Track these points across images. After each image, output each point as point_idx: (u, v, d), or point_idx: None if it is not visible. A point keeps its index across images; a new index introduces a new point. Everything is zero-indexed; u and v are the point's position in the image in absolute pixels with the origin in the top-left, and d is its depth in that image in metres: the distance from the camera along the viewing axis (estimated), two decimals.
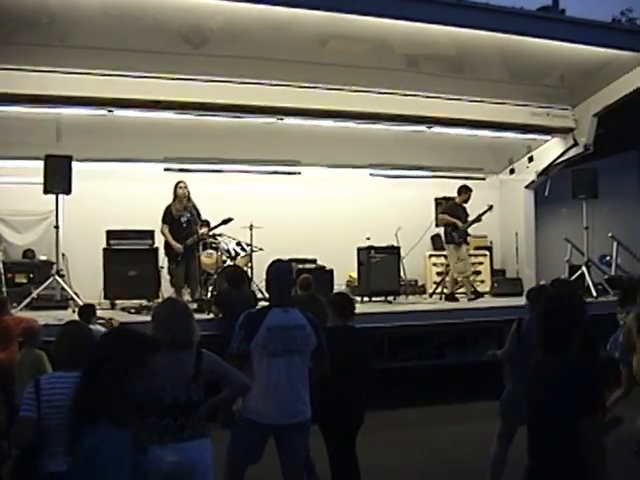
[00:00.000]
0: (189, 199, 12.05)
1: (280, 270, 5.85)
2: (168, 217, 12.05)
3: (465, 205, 13.92)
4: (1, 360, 8.38)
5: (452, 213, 13.73)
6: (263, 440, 5.63)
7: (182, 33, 11.26)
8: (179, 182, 12.17)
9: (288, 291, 5.90)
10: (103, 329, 8.89)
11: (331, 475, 6.54)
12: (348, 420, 6.51)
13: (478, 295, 13.49)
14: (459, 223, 13.61)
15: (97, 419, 3.21)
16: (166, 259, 12.30)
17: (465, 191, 13.94)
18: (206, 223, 12.22)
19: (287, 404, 5.50)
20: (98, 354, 3.48)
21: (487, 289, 14.87)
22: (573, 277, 13.32)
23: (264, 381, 5.45)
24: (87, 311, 8.94)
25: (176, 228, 11.98)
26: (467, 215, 13.78)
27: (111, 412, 3.26)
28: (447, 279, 14.25)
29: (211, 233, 12.54)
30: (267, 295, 6.37)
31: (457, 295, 13.74)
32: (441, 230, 15.03)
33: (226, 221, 12.00)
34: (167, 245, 12.09)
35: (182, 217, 12.02)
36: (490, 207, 13.90)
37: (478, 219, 13.81)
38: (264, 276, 5.96)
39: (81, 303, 10.38)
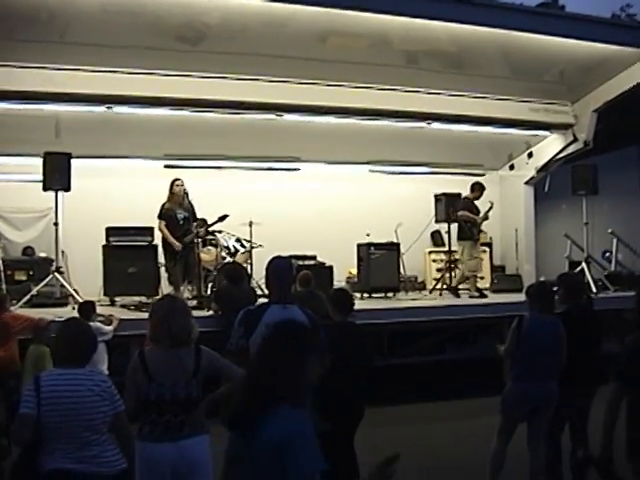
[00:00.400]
0: (185, 197, 12.00)
1: (279, 267, 5.84)
2: (164, 214, 12.01)
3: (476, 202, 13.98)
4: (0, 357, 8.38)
5: (469, 209, 13.77)
6: None
7: (181, 33, 11.27)
8: (175, 179, 12.12)
9: (287, 288, 5.89)
10: (103, 326, 8.93)
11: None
12: (348, 416, 6.51)
13: (482, 296, 13.46)
14: (477, 219, 13.65)
15: (281, 403, 3.33)
16: (164, 256, 12.28)
17: (478, 188, 13.96)
18: (203, 222, 12.17)
19: None
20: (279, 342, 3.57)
21: (487, 285, 14.85)
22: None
23: None
24: (87, 308, 8.95)
25: (173, 225, 11.93)
26: (478, 212, 13.79)
27: (296, 395, 3.39)
28: (454, 274, 14.26)
29: (210, 230, 12.51)
30: (267, 292, 6.36)
31: (459, 291, 13.73)
32: (440, 226, 15.10)
33: (222, 218, 11.97)
34: (165, 242, 12.06)
35: (179, 214, 11.98)
36: (491, 204, 13.91)
37: (486, 217, 13.84)
38: (264, 273, 5.95)
39: (81, 300, 10.38)
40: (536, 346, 6.72)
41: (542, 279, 15.57)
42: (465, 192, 14.29)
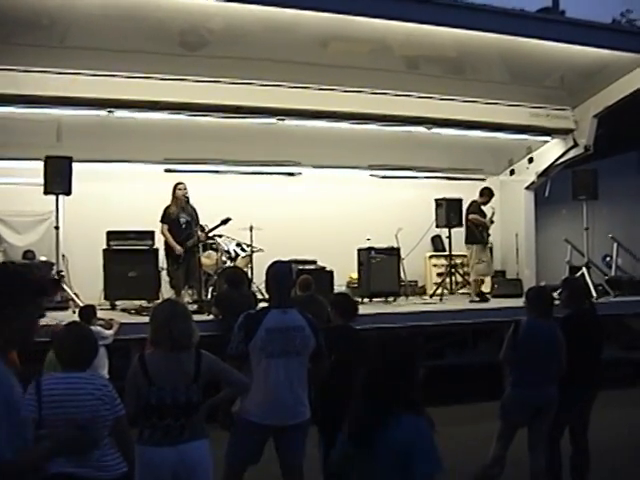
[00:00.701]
0: (187, 201, 12.01)
1: (279, 271, 5.85)
2: (167, 218, 12.02)
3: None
4: None
5: (481, 213, 13.86)
6: (262, 441, 5.64)
7: (183, 38, 11.29)
8: (178, 183, 12.12)
9: (287, 292, 5.90)
10: (103, 330, 8.93)
11: (324, 476, 6.54)
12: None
13: (483, 300, 13.46)
14: (488, 223, 13.74)
15: (403, 411, 3.56)
16: (165, 260, 12.29)
17: (487, 193, 14.10)
18: (201, 228, 12.16)
19: (286, 405, 5.51)
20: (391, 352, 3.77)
21: (487, 290, 14.86)
22: None
23: (263, 382, 5.46)
24: (88, 312, 8.94)
25: (176, 229, 11.94)
26: (485, 216, 13.88)
27: (415, 403, 3.64)
28: (454, 279, 14.32)
29: (211, 234, 12.52)
30: (267, 296, 6.37)
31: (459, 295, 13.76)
32: (441, 231, 15.14)
33: (225, 221, 11.97)
34: (167, 246, 12.07)
35: (181, 218, 11.99)
36: (493, 211, 14.03)
37: (491, 221, 13.95)
38: (264, 277, 5.96)
39: (81, 304, 10.38)
40: (534, 351, 6.72)
41: (542, 284, 15.64)
42: (465, 196, 14.34)
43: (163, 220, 12.01)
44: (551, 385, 6.68)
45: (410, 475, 3.50)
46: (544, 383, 6.66)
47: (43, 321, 8.92)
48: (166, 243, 12.03)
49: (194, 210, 12.01)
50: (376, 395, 3.63)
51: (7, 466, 2.90)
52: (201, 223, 12.14)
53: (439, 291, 14.09)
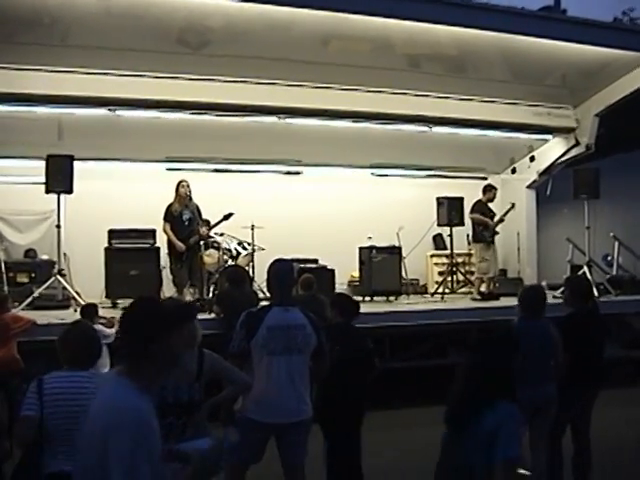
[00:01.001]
0: (190, 199, 12.03)
1: (281, 269, 5.85)
2: (169, 215, 12.05)
3: (490, 204, 14.11)
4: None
5: (482, 212, 13.85)
6: (264, 439, 5.63)
7: (184, 36, 11.29)
8: (181, 181, 12.16)
9: (289, 290, 5.90)
10: (105, 329, 8.92)
11: (327, 474, 6.55)
12: (350, 418, 6.52)
13: (484, 299, 13.45)
14: (490, 222, 13.72)
15: (499, 398, 3.89)
16: (168, 258, 12.30)
17: (490, 189, 14.14)
18: (206, 222, 12.19)
19: (288, 403, 5.50)
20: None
21: (484, 289, 14.88)
22: None
23: (264, 380, 5.45)
24: (89, 311, 8.95)
25: (178, 226, 11.97)
26: (493, 214, 13.87)
27: (510, 391, 3.99)
28: (456, 278, 14.34)
29: (214, 231, 12.53)
30: (268, 294, 6.37)
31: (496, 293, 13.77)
32: (442, 230, 15.16)
33: (227, 216, 11.97)
34: (170, 244, 12.08)
35: (184, 215, 12.01)
36: (512, 205, 14.03)
37: (502, 219, 14.01)
38: (266, 276, 5.96)
39: (82, 302, 10.39)
40: (528, 351, 6.73)
41: (544, 283, 15.63)
42: (467, 195, 14.36)
43: (166, 218, 12.04)
44: (549, 384, 6.67)
45: (492, 457, 3.78)
46: (541, 382, 6.65)
47: (45, 320, 8.94)
48: (169, 241, 12.05)
49: (197, 207, 12.03)
50: (478, 384, 3.99)
51: None
52: (205, 218, 12.18)
53: (440, 290, 14.09)
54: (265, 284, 6.50)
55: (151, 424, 3.19)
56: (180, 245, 11.84)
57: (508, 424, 3.82)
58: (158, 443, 3.25)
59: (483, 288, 13.89)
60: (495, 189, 14.17)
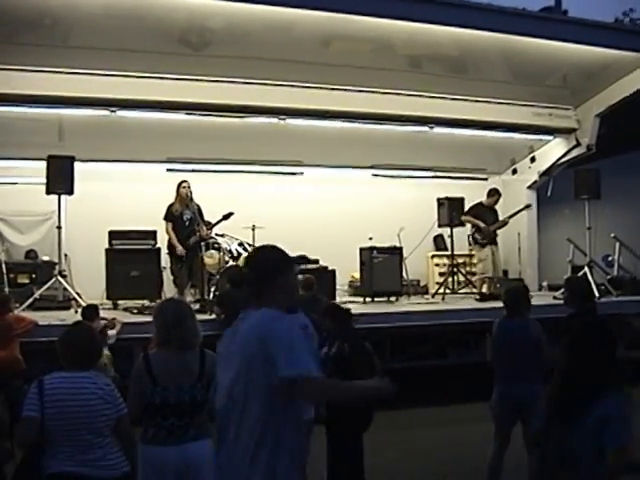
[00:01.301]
0: (191, 199, 12.04)
1: None
2: (170, 215, 12.06)
3: (495, 207, 14.19)
4: (1, 358, 8.38)
5: (475, 214, 13.90)
6: None
7: (185, 37, 11.30)
8: (182, 181, 12.17)
9: None
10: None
11: (328, 475, 6.55)
12: (355, 421, 6.53)
13: (484, 299, 13.46)
14: (481, 224, 13.73)
15: (605, 387, 3.97)
16: (169, 259, 12.31)
17: (493, 194, 14.21)
18: (207, 224, 12.20)
19: None
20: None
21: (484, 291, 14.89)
22: None
23: None
24: (90, 312, 8.94)
25: (179, 226, 11.99)
26: (494, 218, 13.86)
27: (616, 381, 4.06)
28: (457, 279, 14.38)
29: (214, 232, 12.54)
30: None
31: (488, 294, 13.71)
32: (443, 230, 15.17)
33: (227, 216, 11.97)
34: (170, 245, 12.09)
35: (184, 215, 12.02)
36: (526, 206, 14.15)
37: (505, 222, 14.14)
38: None
39: (83, 303, 10.39)
40: (507, 350, 6.83)
41: (544, 284, 15.64)
42: (467, 196, 14.40)
43: (167, 218, 12.05)
44: (532, 383, 6.71)
45: (603, 445, 3.85)
46: (523, 381, 6.71)
47: (46, 321, 8.94)
48: (169, 241, 12.06)
49: (198, 208, 12.04)
50: (587, 374, 4.04)
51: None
52: (206, 220, 12.19)
53: (441, 290, 14.08)
54: None
55: (301, 331, 3.80)
56: (179, 247, 11.86)
57: (618, 412, 3.89)
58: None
59: (484, 289, 13.90)
60: (499, 195, 14.23)
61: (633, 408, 4.05)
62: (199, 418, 4.78)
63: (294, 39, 11.35)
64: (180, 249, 11.83)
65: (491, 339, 7.12)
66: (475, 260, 14.05)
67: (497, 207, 14.22)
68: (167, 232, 12.08)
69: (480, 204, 14.05)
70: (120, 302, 12.06)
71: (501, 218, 14.19)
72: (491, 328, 7.32)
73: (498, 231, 14.22)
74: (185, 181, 12.19)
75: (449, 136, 14.40)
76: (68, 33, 10.80)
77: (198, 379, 4.77)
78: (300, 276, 9.24)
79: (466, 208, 14.40)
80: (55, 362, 4.70)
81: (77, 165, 11.59)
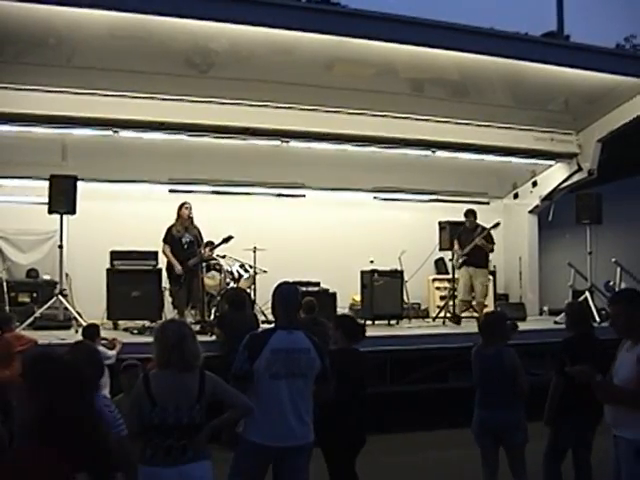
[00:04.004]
0: (192, 222, 12.02)
1: (287, 292, 5.82)
2: (169, 237, 12.02)
3: (476, 228, 13.66)
4: (3, 378, 8.33)
5: (456, 237, 13.82)
6: (265, 463, 5.58)
7: (188, 59, 11.35)
8: (184, 203, 12.14)
9: (294, 313, 5.86)
10: (106, 350, 8.90)
11: None
12: (350, 442, 6.51)
13: (455, 320, 13.45)
14: (456, 247, 13.69)
15: None
16: (168, 280, 12.28)
17: (467, 214, 13.82)
18: (209, 244, 12.19)
19: (290, 426, 5.45)
20: None
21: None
22: None
23: (267, 403, 5.41)
24: (91, 332, 8.91)
25: (177, 249, 11.94)
26: (470, 239, 13.67)
27: None
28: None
29: (215, 253, 12.52)
30: (269, 317, 6.36)
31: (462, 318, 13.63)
32: (444, 254, 15.16)
33: (227, 239, 11.97)
34: (169, 266, 12.06)
35: (183, 238, 11.98)
36: (497, 224, 13.86)
37: (474, 244, 13.47)
38: (267, 298, 5.95)
39: (84, 323, 10.37)
40: (484, 377, 6.84)
41: (545, 308, 15.61)
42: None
43: (165, 240, 12.01)
44: (507, 409, 6.75)
45: None
46: (503, 406, 6.71)
47: (46, 340, 8.90)
48: (168, 263, 12.04)
49: (198, 231, 12.02)
50: None
51: None
52: (209, 240, 12.18)
53: (442, 314, 14.06)
54: (266, 307, 6.50)
55: None
56: (178, 267, 11.82)
57: None
58: None
59: (457, 310, 13.83)
60: (473, 215, 13.76)
61: None
62: (198, 440, 4.75)
63: (297, 62, 11.41)
64: (179, 268, 11.79)
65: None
66: None
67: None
68: (164, 254, 12.05)
69: (463, 226, 13.94)
70: (121, 322, 12.04)
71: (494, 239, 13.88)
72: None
73: (498, 254, 14.14)
74: (187, 202, 12.16)
75: (451, 160, 14.42)
76: (72, 53, 10.86)
77: (197, 400, 4.75)
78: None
79: None
80: None
81: (80, 185, 11.59)
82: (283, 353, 5.46)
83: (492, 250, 13.77)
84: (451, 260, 14.10)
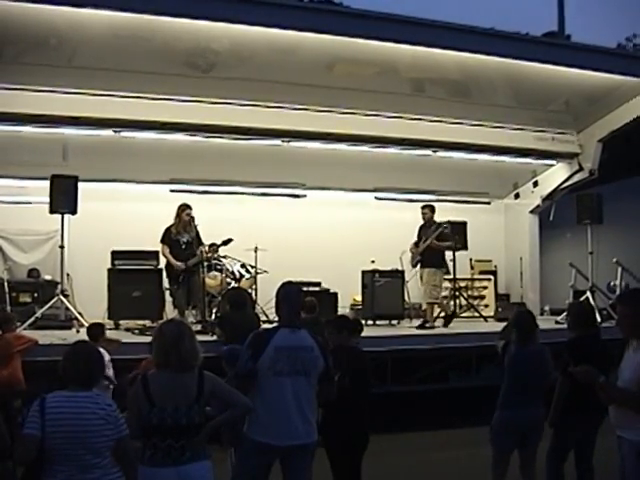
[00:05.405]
0: (191, 222, 11.97)
1: (290, 292, 5.84)
2: (167, 238, 11.99)
3: (430, 225, 13.31)
4: (2, 377, 8.35)
5: (418, 236, 13.41)
6: (268, 462, 5.57)
7: (190, 59, 11.35)
8: (185, 208, 12.05)
9: (297, 313, 5.87)
10: (106, 353, 8.89)
11: None
12: (353, 442, 6.51)
13: (423, 326, 12.84)
14: (411, 245, 13.35)
15: None
16: (167, 280, 12.26)
17: (422, 208, 13.49)
18: (212, 246, 12.17)
19: (293, 425, 5.44)
20: None
21: (491, 313, 14.84)
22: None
23: (271, 401, 5.41)
24: (96, 331, 8.89)
25: (176, 249, 11.90)
26: (424, 237, 13.20)
27: None
28: (459, 302, 14.24)
29: (216, 254, 12.52)
30: (271, 317, 6.37)
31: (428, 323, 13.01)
32: (444, 254, 15.09)
33: (226, 242, 11.99)
34: (168, 266, 12.04)
35: (182, 238, 11.95)
36: (445, 227, 13.24)
37: (427, 245, 13.04)
38: (269, 298, 5.96)
39: (85, 323, 10.38)
40: (521, 379, 6.75)
41: (547, 308, 15.62)
42: (470, 219, 14.40)
43: (163, 240, 11.98)
44: (537, 407, 6.77)
45: None
46: (529, 406, 6.69)
47: (47, 340, 8.92)
48: (167, 263, 12.02)
49: (197, 232, 11.96)
50: None
51: None
52: (213, 242, 12.16)
53: (443, 314, 14.03)
54: (267, 307, 6.51)
55: None
56: (179, 264, 11.77)
57: None
58: None
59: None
60: (430, 210, 13.41)
61: None
62: (197, 440, 4.74)
63: (298, 62, 11.41)
64: (178, 264, 11.74)
65: (499, 363, 7.05)
66: None
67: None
68: (163, 254, 12.03)
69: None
70: (122, 322, 12.05)
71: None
72: (492, 352, 7.30)
73: (499, 254, 14.08)
74: (188, 208, 12.07)
75: (452, 160, 14.43)
76: (73, 53, 10.86)
77: (196, 400, 4.74)
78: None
79: (469, 231, 14.36)
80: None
81: (81, 185, 11.61)
82: (286, 351, 5.46)
83: (450, 248, 13.39)
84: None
